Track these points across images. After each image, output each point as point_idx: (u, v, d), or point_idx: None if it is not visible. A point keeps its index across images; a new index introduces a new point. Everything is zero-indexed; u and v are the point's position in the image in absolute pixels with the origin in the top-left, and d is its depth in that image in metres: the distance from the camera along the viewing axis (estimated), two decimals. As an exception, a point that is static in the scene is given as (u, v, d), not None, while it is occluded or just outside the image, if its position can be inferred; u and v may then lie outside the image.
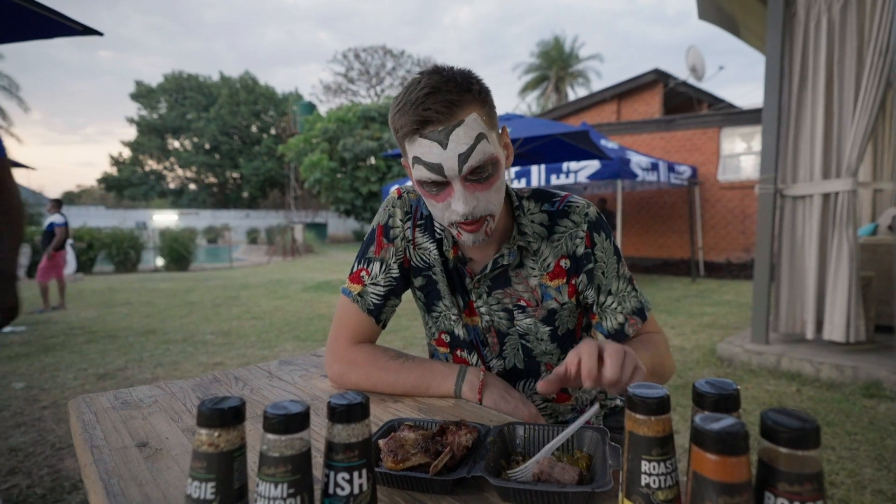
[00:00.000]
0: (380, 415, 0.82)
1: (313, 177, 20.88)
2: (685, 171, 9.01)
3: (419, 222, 0.97)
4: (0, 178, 1.33)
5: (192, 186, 43.44)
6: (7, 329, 5.20)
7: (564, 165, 7.78)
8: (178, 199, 41.66)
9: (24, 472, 2.21)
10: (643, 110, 11.69)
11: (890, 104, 4.56)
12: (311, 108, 26.93)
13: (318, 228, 27.37)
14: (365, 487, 0.47)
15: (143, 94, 40.80)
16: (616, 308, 0.92)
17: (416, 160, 0.78)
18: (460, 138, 0.75)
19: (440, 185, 0.79)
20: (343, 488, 0.46)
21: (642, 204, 10.69)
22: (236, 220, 31.94)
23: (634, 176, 7.52)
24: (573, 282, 0.93)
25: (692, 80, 11.25)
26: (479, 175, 0.78)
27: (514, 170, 7.81)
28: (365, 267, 0.97)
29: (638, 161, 7.69)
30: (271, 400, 0.89)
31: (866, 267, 3.61)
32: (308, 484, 0.45)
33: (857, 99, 3.11)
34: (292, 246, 18.13)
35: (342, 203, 21.68)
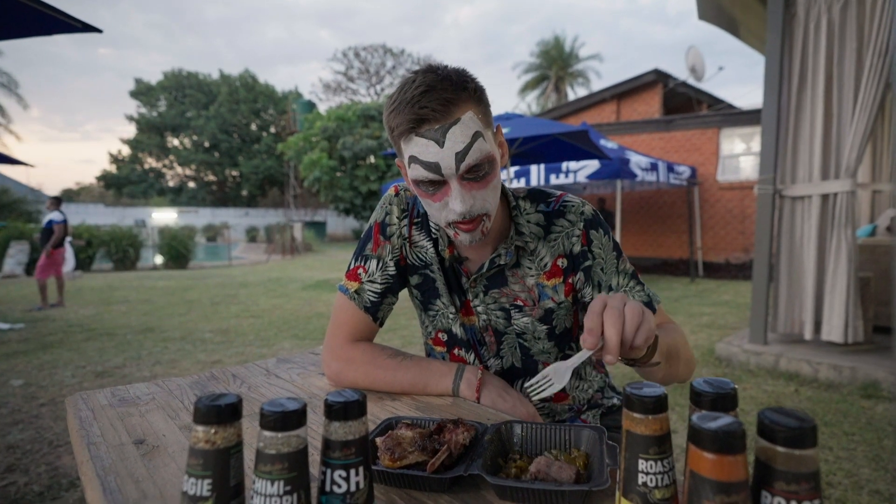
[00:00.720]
0: (377, 413, 0.82)
1: (313, 175, 20.87)
2: (684, 171, 9.01)
3: (416, 220, 0.97)
4: None
5: (192, 184, 43.40)
6: (6, 326, 5.20)
7: (564, 165, 7.78)
8: (177, 197, 41.62)
9: (22, 470, 2.21)
10: (643, 110, 11.69)
11: (889, 105, 4.56)
12: (310, 106, 26.91)
13: (318, 227, 27.36)
14: (362, 485, 0.47)
15: (142, 92, 40.75)
16: None
17: (413, 159, 0.78)
18: (457, 136, 0.75)
19: (437, 184, 0.79)
20: (340, 486, 0.46)
21: (641, 204, 10.69)
22: (235, 219, 31.93)
23: (634, 176, 7.52)
24: (570, 280, 0.93)
25: (692, 81, 11.26)
26: (476, 173, 0.78)
27: (513, 169, 7.81)
28: (362, 264, 0.97)
29: (637, 161, 7.69)
30: (269, 398, 0.89)
31: (865, 268, 3.62)
32: (305, 481, 0.45)
33: (857, 100, 3.11)
34: (291, 244, 18.13)
35: (341, 202, 21.67)
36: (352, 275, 0.97)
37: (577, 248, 0.91)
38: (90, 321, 5.62)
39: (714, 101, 12.06)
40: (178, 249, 14.21)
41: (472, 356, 1.00)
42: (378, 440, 0.62)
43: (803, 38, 3.31)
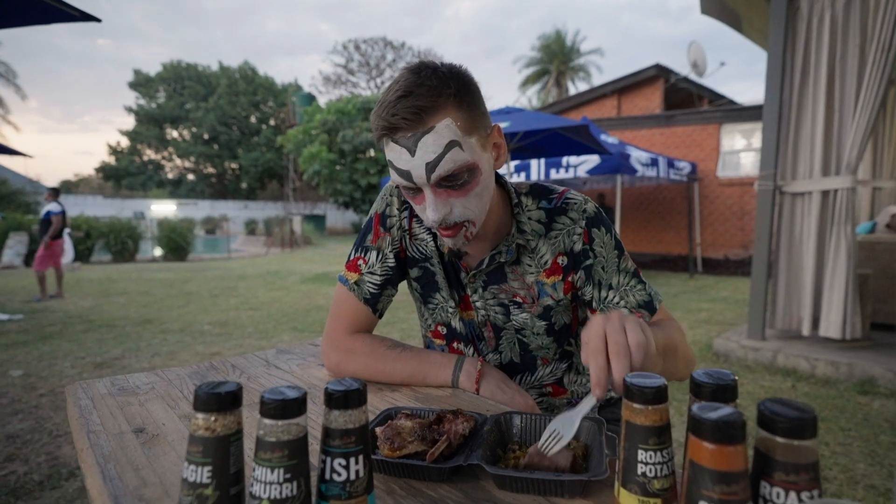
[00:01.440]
0: (377, 404, 0.82)
1: (312, 168, 20.82)
2: (685, 167, 9.00)
3: (416, 213, 0.97)
4: None
5: (191, 177, 43.30)
6: (5, 317, 5.20)
7: (564, 160, 7.77)
8: (176, 189, 41.53)
9: (22, 459, 2.22)
10: (644, 105, 11.66)
11: (891, 102, 4.56)
12: (310, 99, 26.79)
13: (317, 220, 27.32)
14: (361, 473, 0.47)
15: (141, 83, 40.55)
16: (619, 303, 0.88)
17: (390, 163, 0.78)
18: (428, 146, 0.73)
19: (414, 189, 0.79)
20: (340, 474, 0.46)
21: (641, 199, 10.68)
22: (234, 211, 31.89)
23: (634, 171, 7.51)
24: (570, 279, 0.92)
25: (693, 76, 11.22)
26: (453, 182, 0.76)
27: (513, 163, 7.79)
28: (362, 255, 0.97)
29: (638, 156, 7.67)
30: (268, 388, 0.89)
31: (864, 265, 3.62)
32: (305, 469, 0.45)
33: (859, 96, 3.10)
34: (290, 237, 18.12)
35: (341, 195, 21.63)
36: (352, 266, 0.97)
37: (578, 247, 0.90)
38: (89, 312, 5.62)
39: (715, 97, 12.02)
40: (176, 242, 14.20)
41: (471, 351, 1.00)
42: (378, 430, 0.62)
43: (806, 34, 3.30)
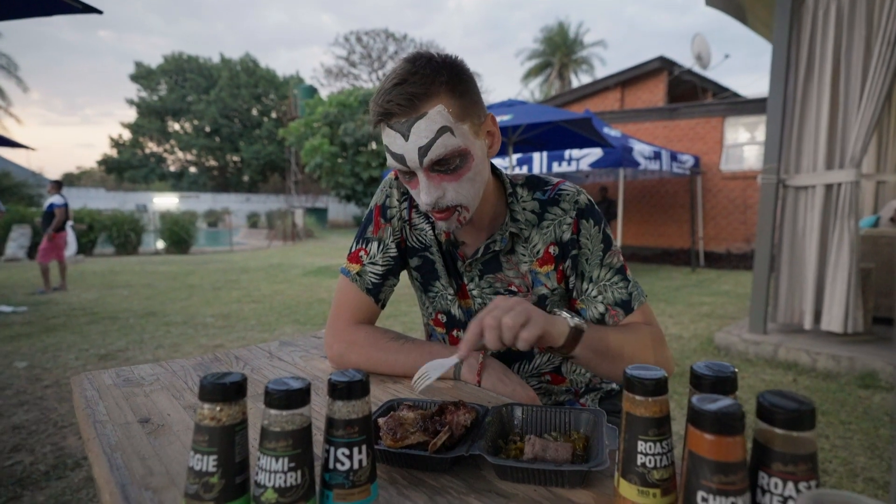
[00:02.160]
0: (379, 395, 0.83)
1: (314, 161, 20.77)
2: (688, 160, 8.96)
3: (415, 203, 0.98)
4: None
5: (193, 169, 43.28)
6: (9, 309, 5.23)
7: (566, 153, 7.75)
8: (178, 182, 41.53)
9: (28, 449, 2.24)
10: (647, 98, 11.60)
11: (896, 95, 4.52)
12: (312, 91, 26.69)
13: (319, 213, 27.33)
14: (364, 463, 0.47)
15: (142, 76, 40.45)
16: (596, 297, 0.90)
17: (386, 148, 0.82)
18: (421, 131, 0.76)
19: (409, 173, 0.82)
20: (343, 463, 0.47)
21: (644, 193, 10.65)
22: (237, 204, 31.89)
23: (637, 164, 7.49)
24: (561, 267, 0.94)
25: (697, 69, 11.15)
26: (445, 166, 0.80)
27: (515, 157, 7.77)
28: (363, 247, 0.98)
29: (640, 149, 7.65)
30: (272, 379, 0.90)
31: (867, 259, 3.61)
32: (309, 458, 0.46)
33: (864, 89, 3.08)
34: (292, 230, 18.14)
35: (343, 188, 21.60)
36: (353, 257, 0.98)
37: (566, 237, 0.92)
38: (93, 305, 5.65)
39: (719, 90, 11.95)
40: (179, 234, 14.24)
41: None
42: (380, 421, 0.63)
43: (811, 26, 3.27)
